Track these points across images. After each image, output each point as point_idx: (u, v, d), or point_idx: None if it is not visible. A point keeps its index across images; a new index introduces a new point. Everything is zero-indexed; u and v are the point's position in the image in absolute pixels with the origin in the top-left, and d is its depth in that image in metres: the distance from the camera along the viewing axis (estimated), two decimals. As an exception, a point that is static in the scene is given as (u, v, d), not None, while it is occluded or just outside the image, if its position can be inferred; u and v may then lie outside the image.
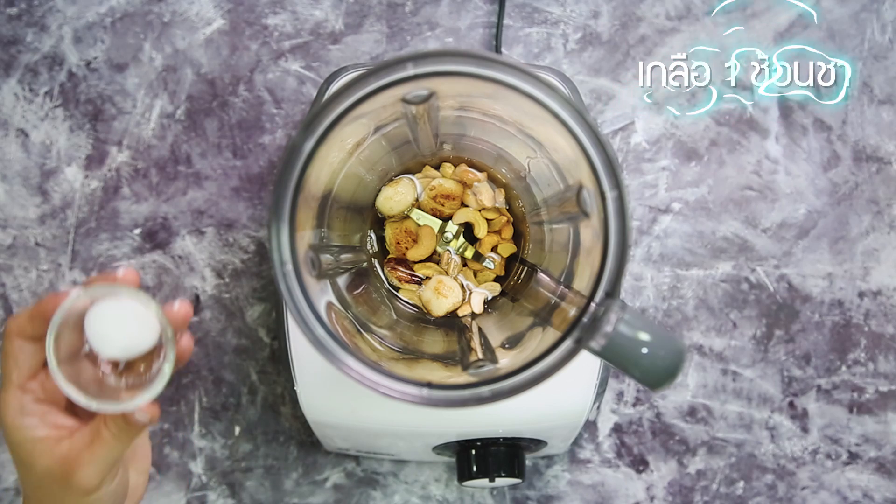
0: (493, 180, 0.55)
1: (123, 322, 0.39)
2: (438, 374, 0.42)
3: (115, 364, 0.41)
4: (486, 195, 0.54)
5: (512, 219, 0.55)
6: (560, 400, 0.53)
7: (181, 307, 0.41)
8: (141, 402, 0.40)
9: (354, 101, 0.37)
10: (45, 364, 0.42)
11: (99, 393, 0.40)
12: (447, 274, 0.54)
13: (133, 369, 0.42)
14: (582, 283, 0.39)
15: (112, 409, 0.39)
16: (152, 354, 0.41)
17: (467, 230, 0.55)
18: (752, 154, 0.63)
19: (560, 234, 0.48)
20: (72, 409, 0.43)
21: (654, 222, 0.62)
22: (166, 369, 0.40)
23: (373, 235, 0.56)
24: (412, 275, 0.54)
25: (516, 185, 0.54)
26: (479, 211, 0.54)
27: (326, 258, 0.46)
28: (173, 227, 0.62)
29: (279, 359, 0.62)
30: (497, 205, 0.54)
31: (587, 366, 0.52)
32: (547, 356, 0.37)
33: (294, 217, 0.37)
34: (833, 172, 0.63)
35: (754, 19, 0.63)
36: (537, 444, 0.55)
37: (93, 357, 0.41)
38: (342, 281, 0.49)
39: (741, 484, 0.62)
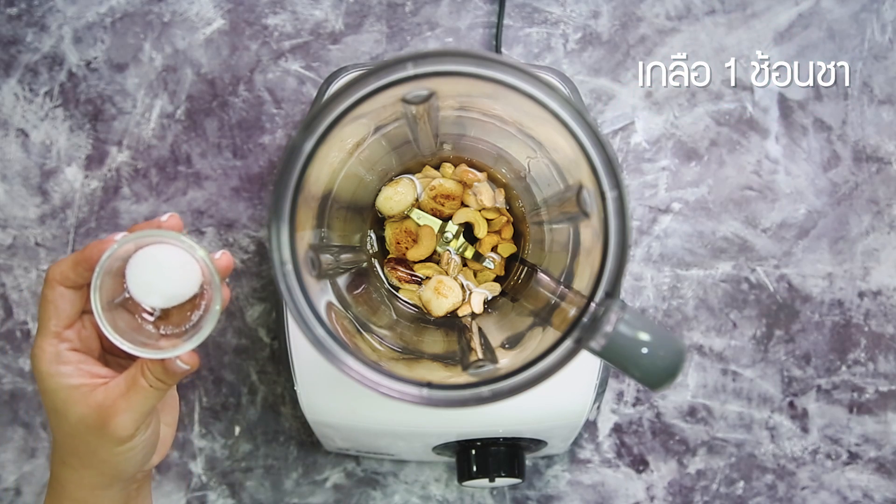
0: (493, 180, 0.55)
1: (165, 269, 0.40)
2: (438, 374, 0.42)
3: (152, 312, 0.42)
4: (486, 195, 0.54)
5: (512, 219, 0.55)
6: (560, 400, 0.53)
7: (223, 257, 0.41)
8: (184, 350, 0.40)
9: (354, 101, 0.37)
10: (83, 312, 0.42)
11: (136, 341, 0.40)
12: (447, 274, 0.54)
13: (170, 318, 0.42)
14: (582, 283, 0.39)
15: (156, 355, 0.39)
16: (191, 304, 0.41)
17: (467, 230, 0.55)
18: (752, 154, 0.63)
19: (560, 234, 0.48)
20: (105, 359, 0.44)
21: (654, 222, 0.62)
22: (213, 313, 0.40)
23: (373, 235, 0.56)
24: (412, 275, 0.54)
25: (516, 185, 0.54)
26: (479, 211, 0.54)
27: (326, 258, 0.46)
28: (173, 227, 0.62)
29: (279, 359, 0.62)
30: (497, 205, 0.54)
31: (587, 366, 0.52)
32: (547, 356, 0.37)
33: (294, 217, 0.37)
34: (833, 172, 0.63)
35: (754, 19, 0.63)
36: (537, 444, 0.55)
37: (130, 304, 0.41)
38: (342, 281, 0.49)
39: (741, 484, 0.62)
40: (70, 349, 0.41)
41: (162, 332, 0.42)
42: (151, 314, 0.42)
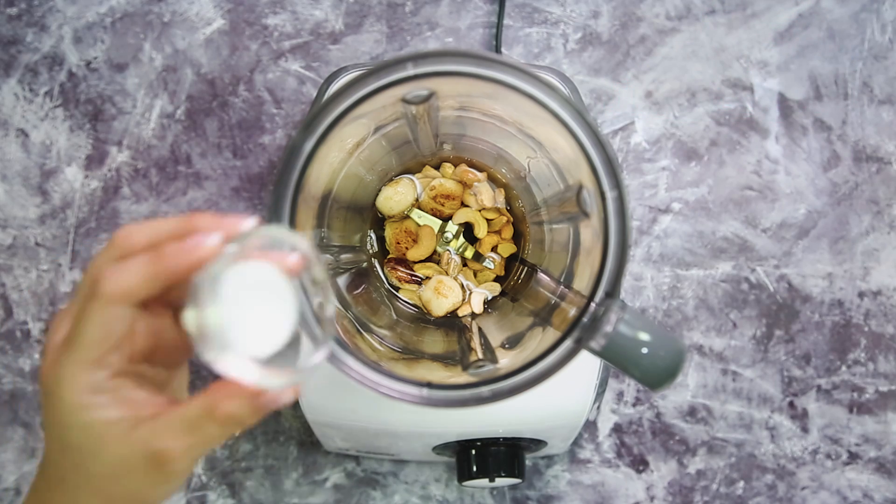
0: (493, 180, 0.55)
1: (260, 300, 0.28)
2: (438, 374, 0.42)
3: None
4: (486, 195, 0.54)
5: (512, 219, 0.55)
6: (560, 400, 0.53)
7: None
8: (297, 380, 0.29)
9: (354, 101, 0.37)
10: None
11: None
12: (447, 274, 0.54)
13: None
14: (582, 283, 0.39)
15: (274, 384, 0.29)
16: None
17: (467, 230, 0.55)
18: (752, 154, 0.63)
19: (560, 234, 0.48)
20: (136, 372, 0.34)
21: (654, 222, 0.62)
22: (328, 314, 0.30)
23: (373, 235, 0.56)
24: (412, 275, 0.54)
25: (516, 185, 0.54)
26: (479, 211, 0.54)
27: (326, 258, 0.46)
28: (173, 227, 0.62)
29: (279, 359, 0.62)
30: (497, 205, 0.54)
31: (587, 366, 0.52)
32: (547, 356, 0.37)
33: (294, 217, 0.37)
34: (833, 172, 0.63)
35: (754, 19, 0.63)
36: (537, 444, 0.55)
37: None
38: (342, 281, 0.49)
39: (741, 484, 0.62)
40: (110, 377, 0.33)
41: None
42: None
